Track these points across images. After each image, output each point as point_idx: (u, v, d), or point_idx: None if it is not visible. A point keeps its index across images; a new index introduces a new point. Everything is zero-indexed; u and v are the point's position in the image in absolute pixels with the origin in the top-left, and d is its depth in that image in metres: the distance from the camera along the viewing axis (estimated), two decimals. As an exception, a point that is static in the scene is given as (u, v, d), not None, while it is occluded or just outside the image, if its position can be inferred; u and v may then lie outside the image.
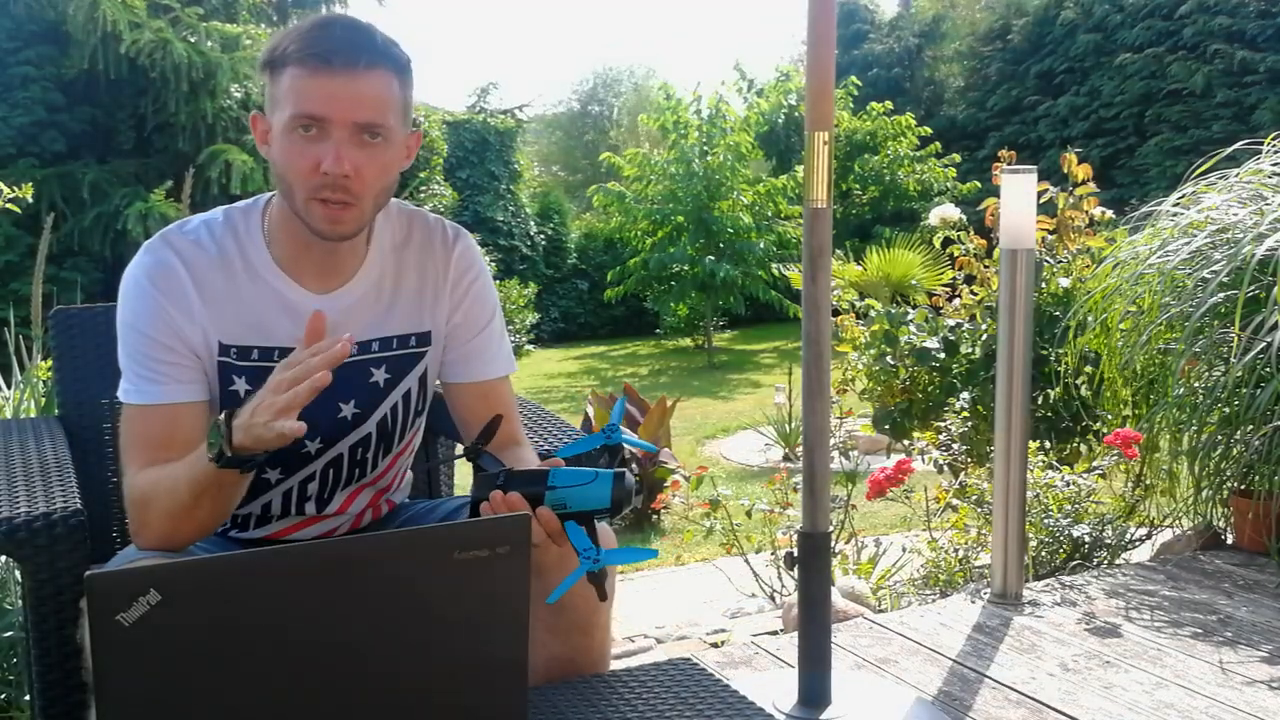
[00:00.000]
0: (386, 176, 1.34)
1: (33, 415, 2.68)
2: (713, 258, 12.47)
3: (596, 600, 1.37)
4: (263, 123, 1.35)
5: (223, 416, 1.21)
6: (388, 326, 1.45)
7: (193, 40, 11.21)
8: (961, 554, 2.99)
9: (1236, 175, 3.13)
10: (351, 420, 1.46)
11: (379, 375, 1.46)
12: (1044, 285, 3.93)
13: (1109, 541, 3.00)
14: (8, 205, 3.36)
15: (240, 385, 1.40)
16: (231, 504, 1.33)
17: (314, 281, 1.40)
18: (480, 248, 1.59)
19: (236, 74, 11.33)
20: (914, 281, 10.75)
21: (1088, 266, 3.91)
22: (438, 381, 1.55)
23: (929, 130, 15.46)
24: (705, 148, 12.74)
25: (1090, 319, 3.33)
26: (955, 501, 3.06)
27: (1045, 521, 2.91)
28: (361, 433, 1.48)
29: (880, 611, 2.77)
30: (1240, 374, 2.77)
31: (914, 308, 4.72)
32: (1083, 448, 3.78)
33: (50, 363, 2.11)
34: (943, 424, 3.62)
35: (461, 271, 1.49)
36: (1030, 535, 2.88)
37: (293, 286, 1.39)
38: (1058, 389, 3.65)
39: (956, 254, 4.43)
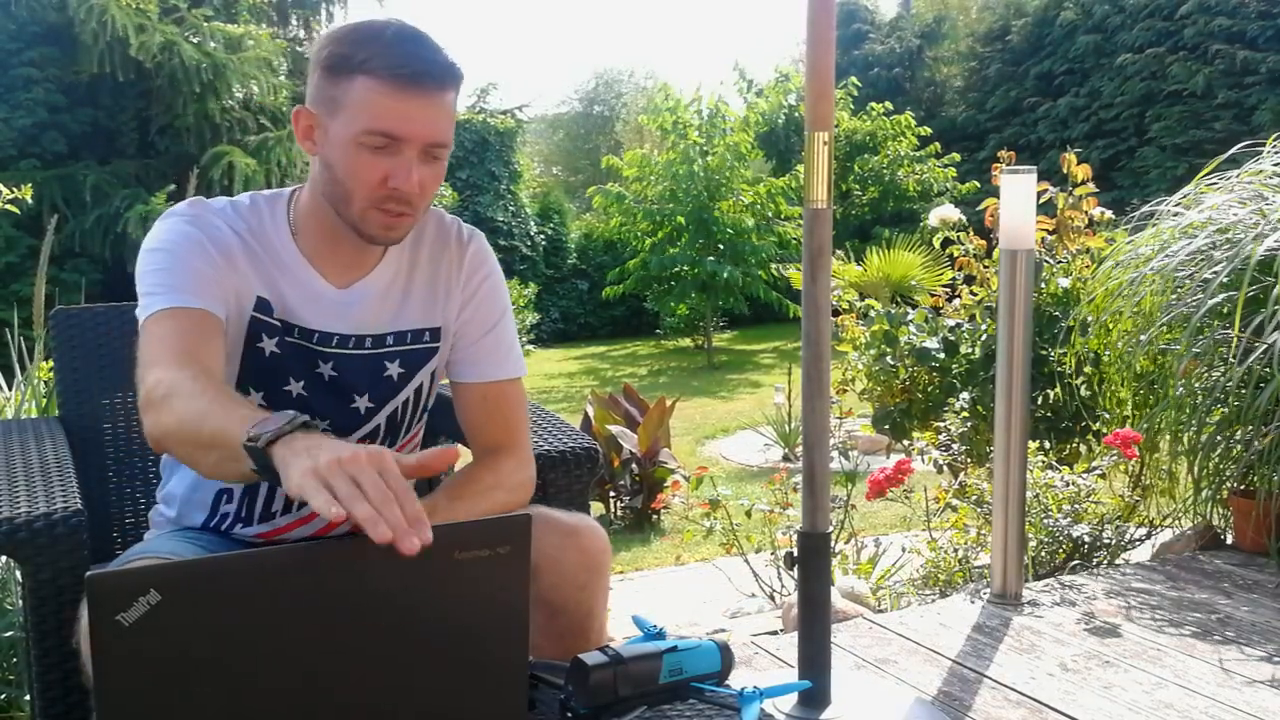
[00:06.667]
0: (439, 185, 1.38)
1: (33, 415, 2.68)
2: (713, 258, 12.46)
3: (591, 604, 1.38)
4: (307, 118, 1.34)
5: (297, 418, 1.07)
6: (402, 320, 1.47)
7: (196, 41, 11.22)
8: (961, 554, 2.99)
9: (1237, 176, 3.13)
10: (364, 413, 1.47)
11: (393, 369, 1.47)
12: (1044, 285, 3.93)
13: (1109, 541, 3.00)
14: (7, 206, 3.36)
15: (268, 345, 1.40)
16: (227, 478, 1.27)
17: (335, 274, 1.43)
18: None
19: (242, 75, 11.34)
20: (914, 282, 10.74)
21: (1088, 267, 3.91)
22: (444, 381, 1.56)
23: (929, 130, 15.46)
24: (705, 148, 12.74)
25: (1090, 319, 3.33)
26: (955, 501, 3.06)
27: (1045, 521, 2.91)
28: (371, 425, 1.49)
29: (880, 612, 2.77)
30: (1240, 374, 2.77)
31: (914, 308, 4.72)
32: (1083, 448, 3.78)
33: (51, 363, 2.12)
34: (942, 424, 3.63)
35: (473, 269, 1.51)
36: (1030, 535, 2.88)
37: (315, 277, 1.42)
38: (1058, 389, 3.65)
39: (956, 254, 4.43)
